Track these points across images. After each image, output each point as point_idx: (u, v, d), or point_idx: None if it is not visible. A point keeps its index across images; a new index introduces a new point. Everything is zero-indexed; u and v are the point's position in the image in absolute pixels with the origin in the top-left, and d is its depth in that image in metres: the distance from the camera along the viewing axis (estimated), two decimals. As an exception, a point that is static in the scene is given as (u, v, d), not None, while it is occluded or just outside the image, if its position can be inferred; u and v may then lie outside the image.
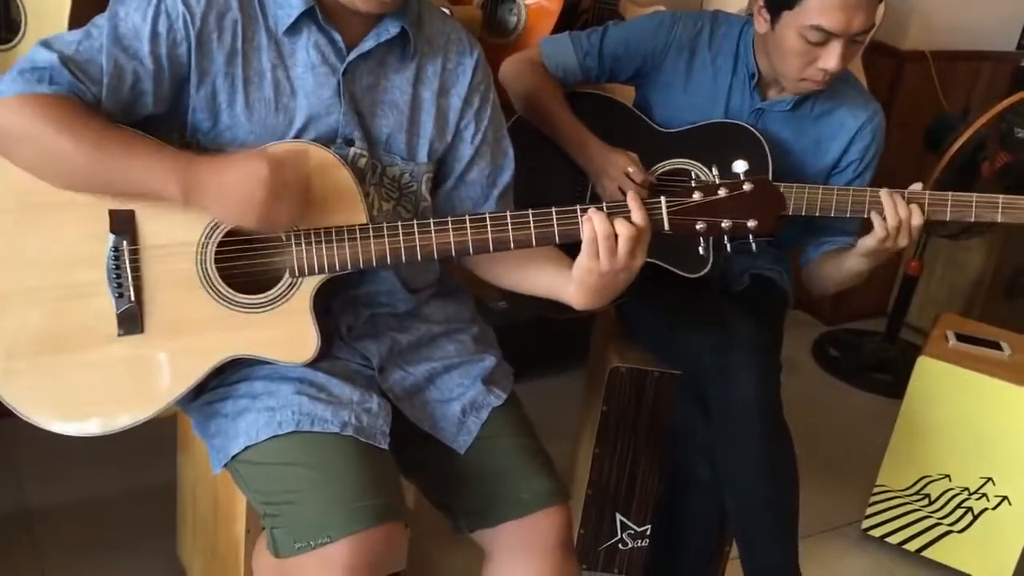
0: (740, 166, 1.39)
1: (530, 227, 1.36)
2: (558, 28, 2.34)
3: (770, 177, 1.81)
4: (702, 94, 1.92)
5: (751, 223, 1.37)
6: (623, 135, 1.91)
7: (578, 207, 1.36)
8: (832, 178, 1.93)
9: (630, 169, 1.84)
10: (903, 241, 1.72)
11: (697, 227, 1.37)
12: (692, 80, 1.92)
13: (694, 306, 1.88)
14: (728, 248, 1.39)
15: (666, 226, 1.36)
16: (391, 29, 1.39)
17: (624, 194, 1.83)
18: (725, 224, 1.37)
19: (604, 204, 1.35)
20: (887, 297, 3.42)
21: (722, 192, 1.36)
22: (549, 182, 1.94)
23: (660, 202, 1.36)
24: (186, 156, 1.29)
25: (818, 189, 1.79)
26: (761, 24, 1.80)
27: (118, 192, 1.30)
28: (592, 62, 1.95)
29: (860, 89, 1.95)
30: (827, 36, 1.71)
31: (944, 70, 3.16)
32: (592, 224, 1.32)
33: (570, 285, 1.38)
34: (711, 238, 1.38)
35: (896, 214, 1.70)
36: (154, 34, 1.30)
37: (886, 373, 3.13)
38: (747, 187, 1.37)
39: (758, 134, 1.85)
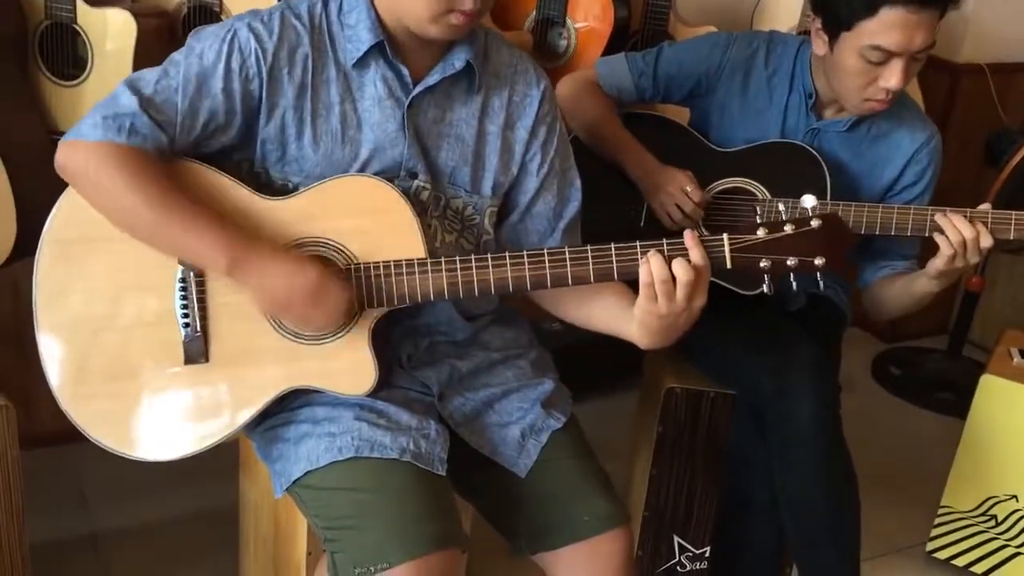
0: (808, 201, 1.34)
1: (588, 263, 1.34)
2: (608, 51, 2.35)
3: (828, 197, 1.79)
4: (757, 113, 1.91)
5: (818, 261, 1.31)
6: (679, 154, 1.90)
7: (638, 244, 1.33)
8: (887, 201, 1.90)
9: (688, 188, 1.83)
10: (973, 258, 1.68)
11: (761, 265, 1.31)
12: (747, 99, 1.91)
13: (750, 326, 1.86)
14: (794, 287, 1.34)
15: (728, 264, 1.32)
16: (456, 63, 1.40)
17: (681, 211, 1.85)
18: (791, 262, 1.31)
19: (664, 242, 1.32)
20: (948, 313, 3.35)
21: (788, 228, 1.30)
22: (603, 201, 1.94)
23: (723, 239, 1.31)
24: (243, 236, 1.32)
25: (878, 208, 1.76)
26: (820, 47, 1.79)
27: (172, 253, 1.35)
28: (647, 82, 1.96)
29: (917, 111, 1.92)
30: (887, 55, 1.68)
31: (1002, 83, 3.09)
32: (648, 267, 1.29)
33: (633, 325, 1.36)
34: (776, 276, 1.33)
35: (958, 232, 1.66)
36: (227, 70, 1.33)
37: (948, 391, 3.06)
38: (815, 223, 1.30)
39: (816, 154, 1.83)
